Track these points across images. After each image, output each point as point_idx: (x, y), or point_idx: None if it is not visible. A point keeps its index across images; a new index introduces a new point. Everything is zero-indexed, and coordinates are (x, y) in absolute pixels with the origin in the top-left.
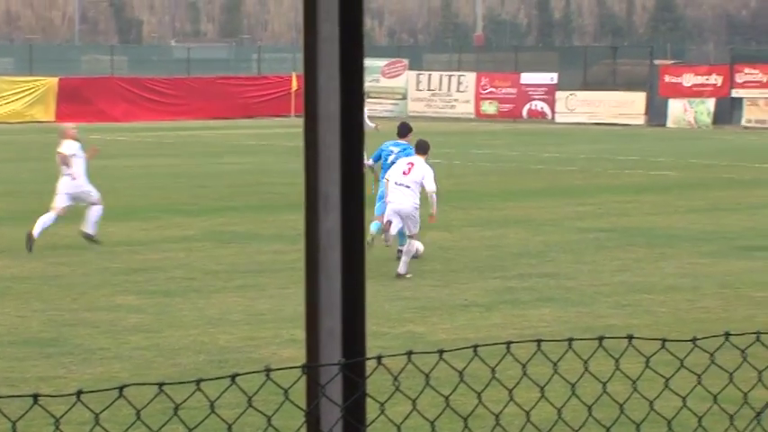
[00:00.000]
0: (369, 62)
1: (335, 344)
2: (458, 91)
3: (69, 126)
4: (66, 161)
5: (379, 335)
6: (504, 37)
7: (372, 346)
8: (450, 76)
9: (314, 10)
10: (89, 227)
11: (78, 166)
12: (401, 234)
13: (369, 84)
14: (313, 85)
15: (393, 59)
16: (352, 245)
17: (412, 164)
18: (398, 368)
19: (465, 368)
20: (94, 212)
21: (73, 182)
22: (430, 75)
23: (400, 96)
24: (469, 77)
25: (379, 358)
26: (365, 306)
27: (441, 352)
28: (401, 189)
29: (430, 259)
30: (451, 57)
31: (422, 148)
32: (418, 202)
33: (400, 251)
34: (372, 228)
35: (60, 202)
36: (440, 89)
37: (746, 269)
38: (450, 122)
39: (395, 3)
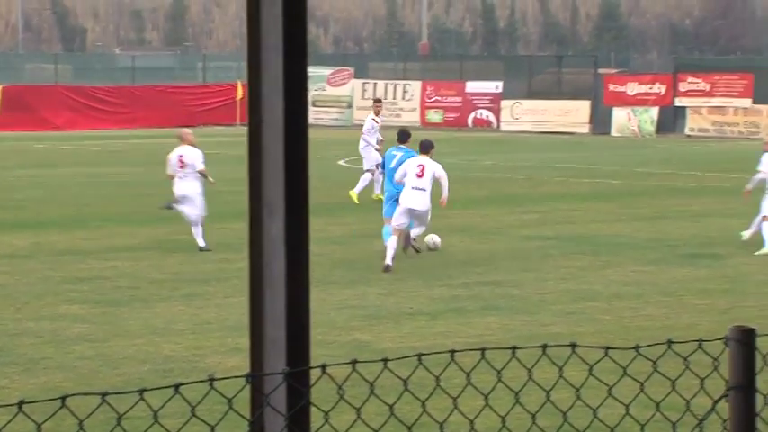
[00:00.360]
0: (314, 70)
1: (280, 353)
2: (403, 99)
3: (187, 131)
4: (182, 165)
5: (325, 343)
6: (449, 45)
7: (318, 355)
8: (396, 84)
9: (257, 19)
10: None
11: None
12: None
13: (314, 92)
14: (257, 94)
15: (338, 68)
16: (296, 254)
17: (423, 165)
18: (343, 377)
19: (409, 376)
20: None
21: (182, 183)
22: (375, 83)
23: (346, 105)
24: (415, 86)
25: (323, 367)
26: (309, 315)
27: (385, 360)
28: (417, 192)
29: (376, 268)
30: (397, 65)
31: (427, 147)
32: (430, 203)
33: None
34: (384, 234)
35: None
36: (385, 98)
37: (690, 277)
38: (395, 131)
39: (340, 11)
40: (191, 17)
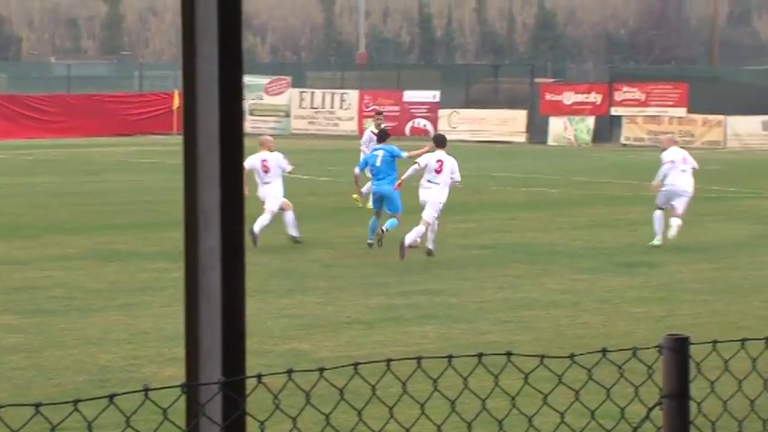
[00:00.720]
0: (251, 79)
1: (215, 363)
2: (341, 108)
3: (269, 138)
4: (266, 170)
5: (262, 353)
6: (386, 55)
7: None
8: (334, 93)
9: (192, 28)
10: (292, 230)
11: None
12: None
13: (252, 101)
14: (192, 103)
15: (276, 77)
16: (232, 263)
17: (441, 161)
18: (279, 386)
19: (345, 385)
20: (289, 217)
21: (265, 187)
22: (313, 92)
23: (283, 114)
24: (352, 95)
25: (259, 377)
26: (245, 325)
27: (321, 370)
28: (433, 186)
29: (314, 276)
30: (335, 74)
31: (442, 142)
32: (446, 197)
33: (383, 231)
34: (370, 225)
35: (273, 205)
36: (323, 107)
37: (626, 285)
38: (333, 140)
39: (277, 20)
40: (127, 26)
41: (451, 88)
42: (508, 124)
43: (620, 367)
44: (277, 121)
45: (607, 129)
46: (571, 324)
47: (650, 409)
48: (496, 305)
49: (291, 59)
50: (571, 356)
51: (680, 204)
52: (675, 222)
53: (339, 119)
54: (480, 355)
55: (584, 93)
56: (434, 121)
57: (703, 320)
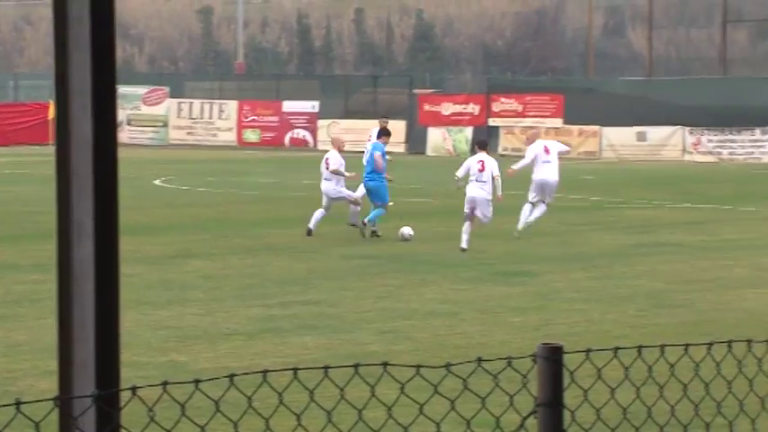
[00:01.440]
0: (129, 90)
1: (89, 375)
2: (220, 119)
3: (340, 139)
4: (327, 167)
5: (139, 365)
6: (265, 65)
7: (132, 377)
8: (212, 103)
9: (64, 38)
10: (354, 218)
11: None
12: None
13: (129, 112)
14: (64, 114)
15: (154, 87)
16: (106, 274)
17: (482, 161)
18: (155, 398)
19: (222, 397)
20: (353, 210)
21: (326, 182)
22: (191, 102)
23: (161, 124)
24: (231, 105)
25: (133, 389)
26: (119, 337)
27: (197, 381)
28: (478, 184)
29: (192, 288)
30: (213, 84)
31: (484, 145)
32: (491, 194)
33: (364, 224)
34: (372, 216)
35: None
36: (201, 117)
37: (505, 294)
38: (212, 150)
39: (155, 30)
40: (1, 35)
41: (331, 99)
42: None
43: (495, 376)
44: (155, 132)
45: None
46: (450, 334)
47: (524, 418)
48: (376, 315)
49: (169, 69)
50: (447, 366)
51: (550, 195)
52: (541, 209)
53: (218, 129)
54: (357, 366)
55: (462, 103)
56: (314, 132)
57: (579, 329)
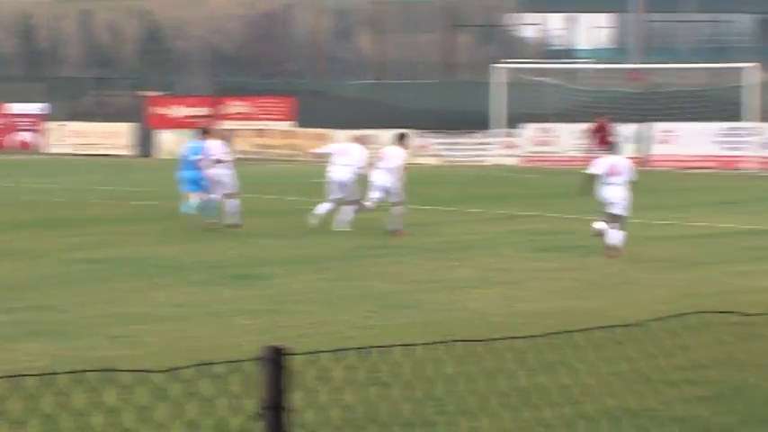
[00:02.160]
0: None
1: None
2: None
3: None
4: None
5: None
6: None
7: None
8: None
9: None
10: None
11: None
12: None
13: None
14: None
15: None
16: None
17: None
18: None
19: None
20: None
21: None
22: None
23: None
24: None
25: None
26: None
27: None
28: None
29: None
30: None
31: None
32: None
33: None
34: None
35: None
36: None
37: (237, 297)
38: None
39: None
40: None
41: (58, 101)
42: (115, 137)
43: (221, 380)
44: None
45: None
46: (181, 338)
47: (248, 421)
48: (106, 320)
49: None
50: (172, 369)
51: (347, 194)
52: (325, 207)
53: None
54: (79, 372)
55: (192, 106)
56: (40, 134)
57: (310, 331)
